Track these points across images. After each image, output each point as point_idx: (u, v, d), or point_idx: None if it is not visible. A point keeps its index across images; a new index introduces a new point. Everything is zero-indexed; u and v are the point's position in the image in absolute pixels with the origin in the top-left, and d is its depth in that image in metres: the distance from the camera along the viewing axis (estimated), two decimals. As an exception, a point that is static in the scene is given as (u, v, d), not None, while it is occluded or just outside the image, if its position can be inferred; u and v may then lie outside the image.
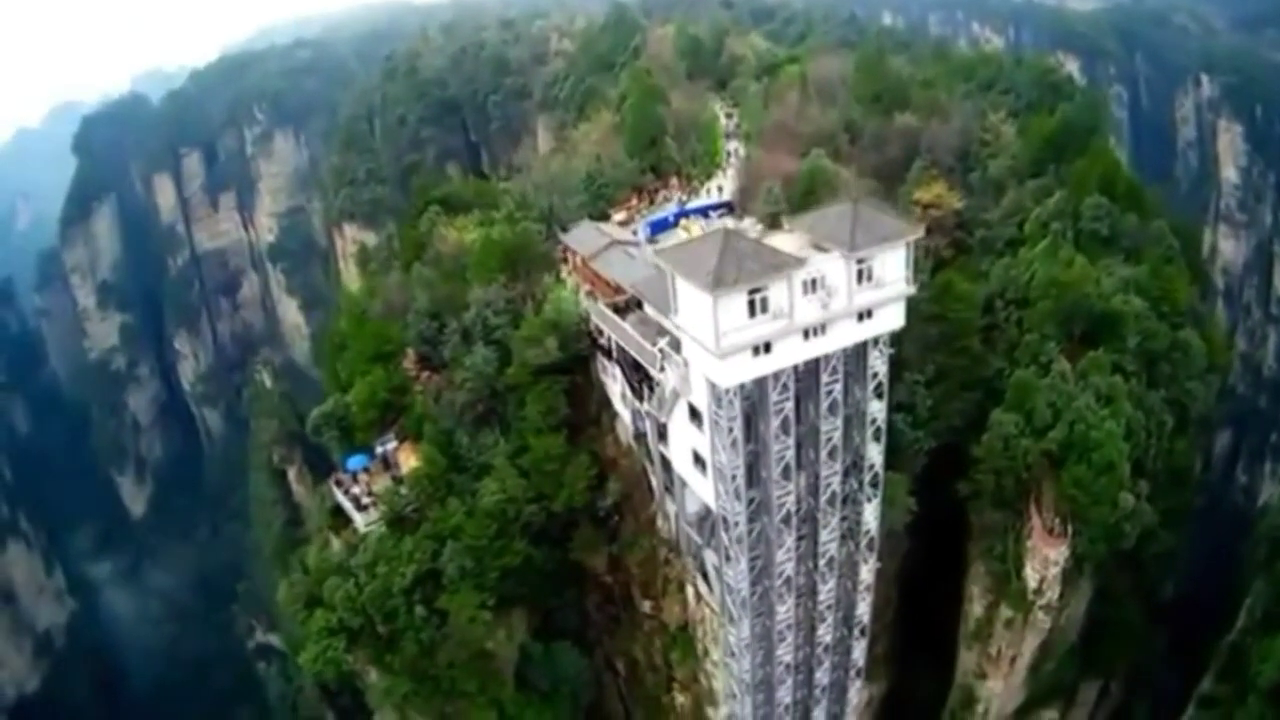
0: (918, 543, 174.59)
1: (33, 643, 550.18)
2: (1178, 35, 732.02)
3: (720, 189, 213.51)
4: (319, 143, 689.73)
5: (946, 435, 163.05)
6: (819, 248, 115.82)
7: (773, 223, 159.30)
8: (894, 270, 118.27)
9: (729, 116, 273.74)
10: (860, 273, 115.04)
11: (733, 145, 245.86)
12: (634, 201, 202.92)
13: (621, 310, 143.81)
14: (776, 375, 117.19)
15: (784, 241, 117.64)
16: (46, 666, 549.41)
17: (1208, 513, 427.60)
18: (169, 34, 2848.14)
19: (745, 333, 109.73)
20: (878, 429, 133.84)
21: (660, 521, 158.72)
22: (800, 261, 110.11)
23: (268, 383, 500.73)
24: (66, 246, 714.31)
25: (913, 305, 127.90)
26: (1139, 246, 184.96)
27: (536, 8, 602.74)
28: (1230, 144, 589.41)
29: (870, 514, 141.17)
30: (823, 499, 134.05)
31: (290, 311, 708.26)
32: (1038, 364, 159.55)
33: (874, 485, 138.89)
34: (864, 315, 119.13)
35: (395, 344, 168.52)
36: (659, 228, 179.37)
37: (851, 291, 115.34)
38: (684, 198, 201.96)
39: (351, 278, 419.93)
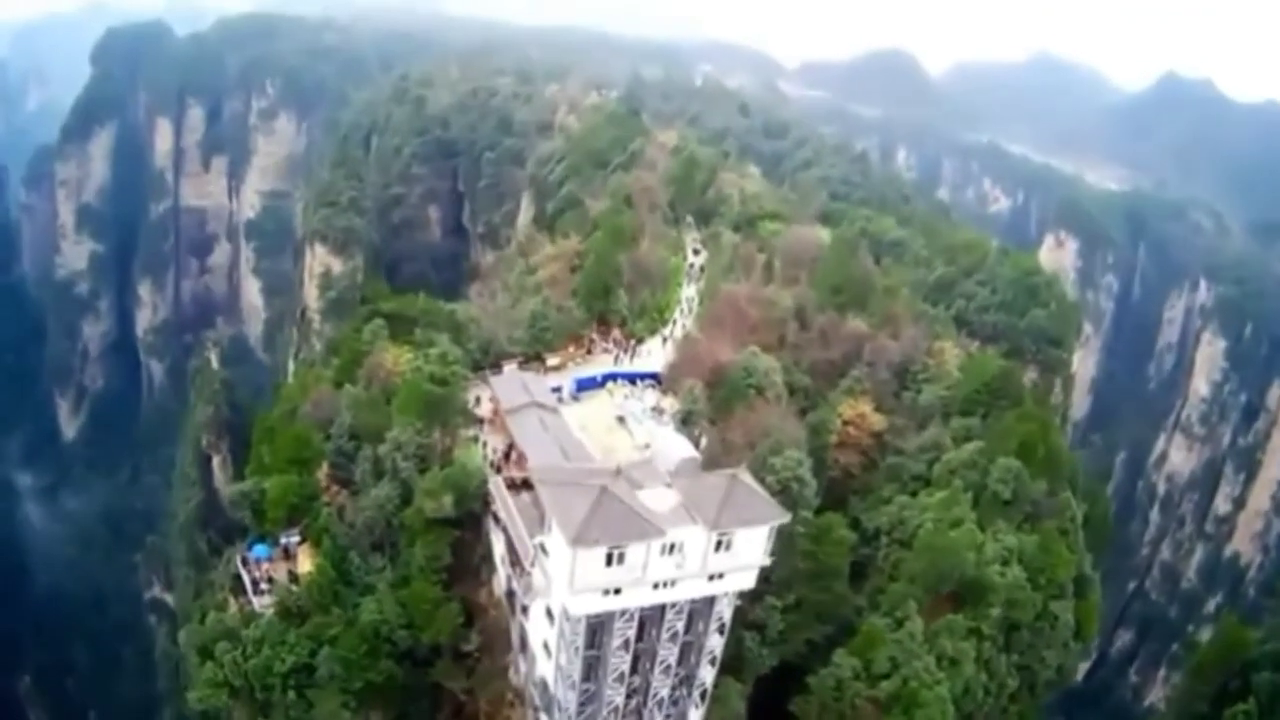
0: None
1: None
2: (1189, 232, 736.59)
3: (665, 339, 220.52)
4: (320, 132, 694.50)
5: (792, 656, 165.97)
6: (687, 512, 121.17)
7: (685, 419, 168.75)
8: (753, 545, 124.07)
9: (696, 253, 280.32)
10: (719, 543, 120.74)
11: (691, 290, 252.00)
12: (571, 349, 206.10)
13: (518, 486, 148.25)
14: (623, 609, 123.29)
15: (658, 498, 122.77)
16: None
17: (1093, 703, 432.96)
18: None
19: (599, 577, 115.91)
20: (714, 657, 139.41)
21: (513, 672, 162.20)
22: (661, 532, 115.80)
23: (214, 363, 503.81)
24: (61, 160, 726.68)
25: (789, 536, 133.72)
26: (1039, 514, 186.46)
27: (558, 62, 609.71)
28: (1209, 358, 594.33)
29: (694, 718, 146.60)
30: (651, 700, 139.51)
31: (252, 291, 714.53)
32: (893, 617, 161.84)
33: (702, 697, 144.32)
34: (716, 576, 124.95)
35: (314, 453, 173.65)
36: (586, 385, 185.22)
37: (707, 557, 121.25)
38: (620, 355, 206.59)
39: (311, 298, 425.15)
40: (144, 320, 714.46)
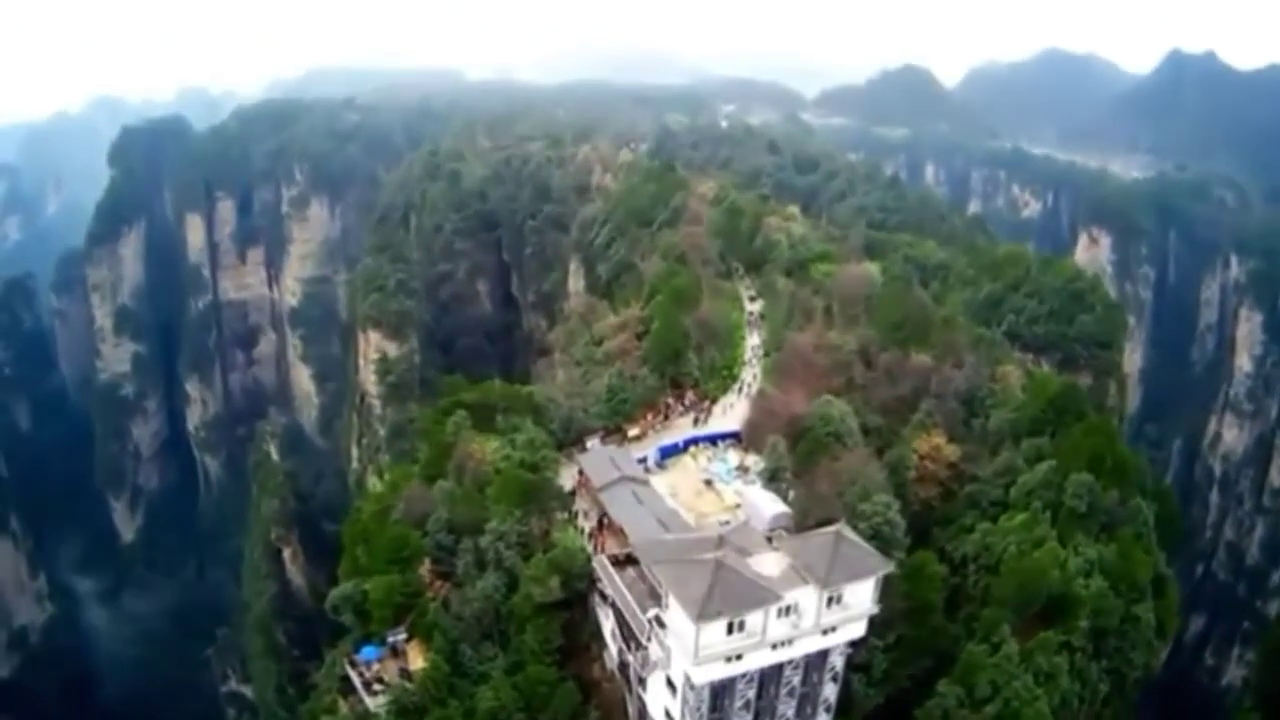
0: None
1: (7, 635, 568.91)
2: (1214, 210, 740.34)
3: (741, 390, 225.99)
4: (354, 215, 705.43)
5: (896, 692, 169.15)
6: (798, 573, 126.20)
7: (772, 476, 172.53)
8: (862, 596, 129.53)
9: (753, 300, 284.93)
10: (830, 599, 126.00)
11: (755, 339, 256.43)
12: (649, 417, 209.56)
13: (621, 563, 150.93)
14: (744, 672, 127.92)
15: (768, 562, 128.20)
16: (19, 659, 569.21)
17: (1173, 691, 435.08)
18: (218, 53, 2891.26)
19: (721, 646, 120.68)
20: (829, 705, 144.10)
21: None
22: (779, 596, 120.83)
23: (274, 454, 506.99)
24: (91, 264, 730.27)
25: (886, 577, 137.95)
26: (1114, 523, 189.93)
27: (583, 120, 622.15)
28: (1249, 333, 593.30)
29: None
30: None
31: (303, 378, 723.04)
32: (989, 642, 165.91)
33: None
34: (829, 630, 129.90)
35: (413, 550, 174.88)
36: (669, 452, 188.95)
37: (820, 614, 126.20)
38: (697, 417, 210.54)
39: (369, 382, 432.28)
40: (194, 417, 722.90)
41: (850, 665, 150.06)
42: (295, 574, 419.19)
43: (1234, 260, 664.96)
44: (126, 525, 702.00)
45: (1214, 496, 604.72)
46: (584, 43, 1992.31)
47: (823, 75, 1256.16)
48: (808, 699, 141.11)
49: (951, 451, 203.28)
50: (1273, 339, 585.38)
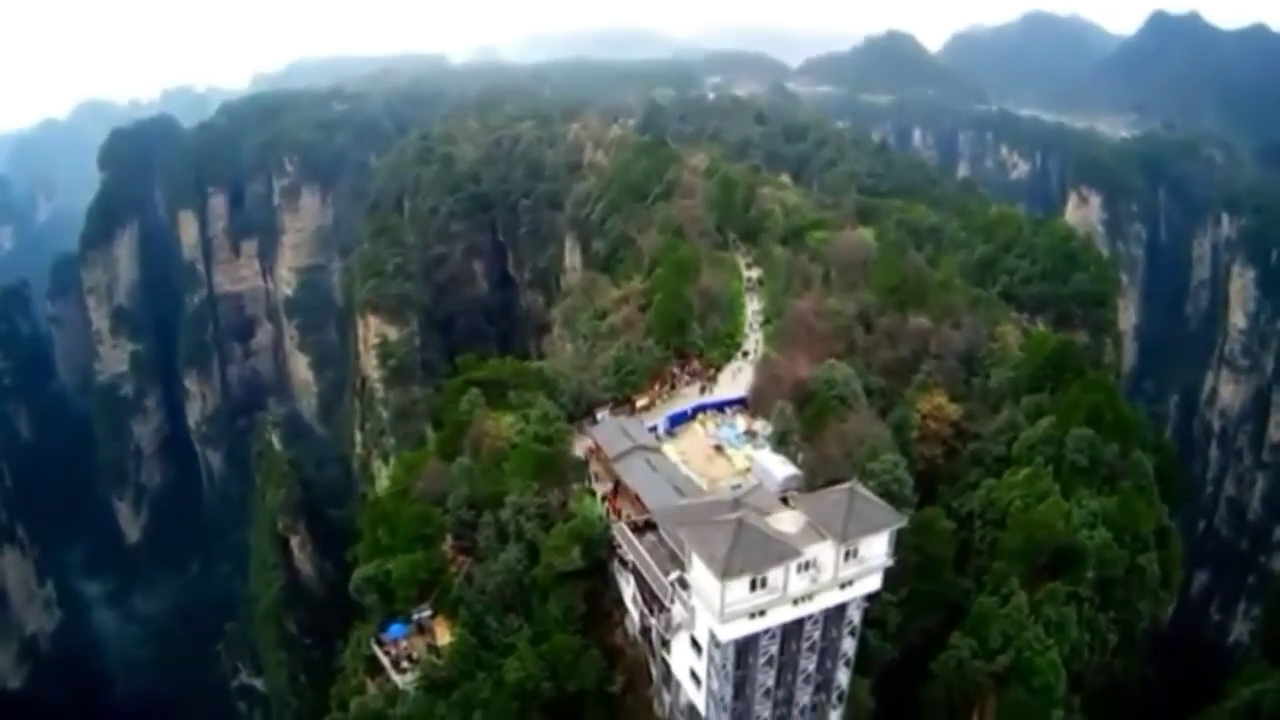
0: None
1: (18, 644, 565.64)
2: (1203, 167, 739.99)
3: (746, 356, 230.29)
4: (345, 203, 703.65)
5: (908, 647, 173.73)
6: (815, 530, 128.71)
7: (781, 439, 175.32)
8: (877, 549, 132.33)
9: (749, 267, 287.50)
10: (847, 553, 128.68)
11: (754, 307, 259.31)
12: (657, 387, 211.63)
13: (640, 529, 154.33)
14: (767, 629, 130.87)
15: (786, 520, 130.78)
16: (30, 667, 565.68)
17: (1181, 647, 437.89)
18: (201, 50, 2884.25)
19: (745, 603, 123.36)
20: (848, 659, 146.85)
21: (656, 705, 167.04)
22: (798, 552, 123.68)
23: (276, 444, 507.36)
24: (86, 267, 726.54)
25: (897, 534, 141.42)
26: (1116, 476, 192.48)
27: (570, 97, 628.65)
28: (1242, 289, 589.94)
29: (835, 718, 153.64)
30: (795, 710, 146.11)
31: (301, 367, 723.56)
32: (999, 594, 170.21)
33: (839, 699, 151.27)
34: (846, 584, 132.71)
35: (435, 528, 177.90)
36: (677, 420, 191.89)
37: (838, 568, 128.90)
38: (703, 385, 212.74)
39: (370, 367, 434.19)
40: (194, 412, 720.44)
41: (865, 621, 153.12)
42: (304, 562, 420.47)
43: (1225, 217, 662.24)
44: (131, 525, 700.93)
45: (1213, 452, 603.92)
46: (567, 20, 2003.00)
47: (807, 45, 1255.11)
48: (827, 653, 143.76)
49: (953, 410, 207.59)
50: (1266, 294, 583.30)
